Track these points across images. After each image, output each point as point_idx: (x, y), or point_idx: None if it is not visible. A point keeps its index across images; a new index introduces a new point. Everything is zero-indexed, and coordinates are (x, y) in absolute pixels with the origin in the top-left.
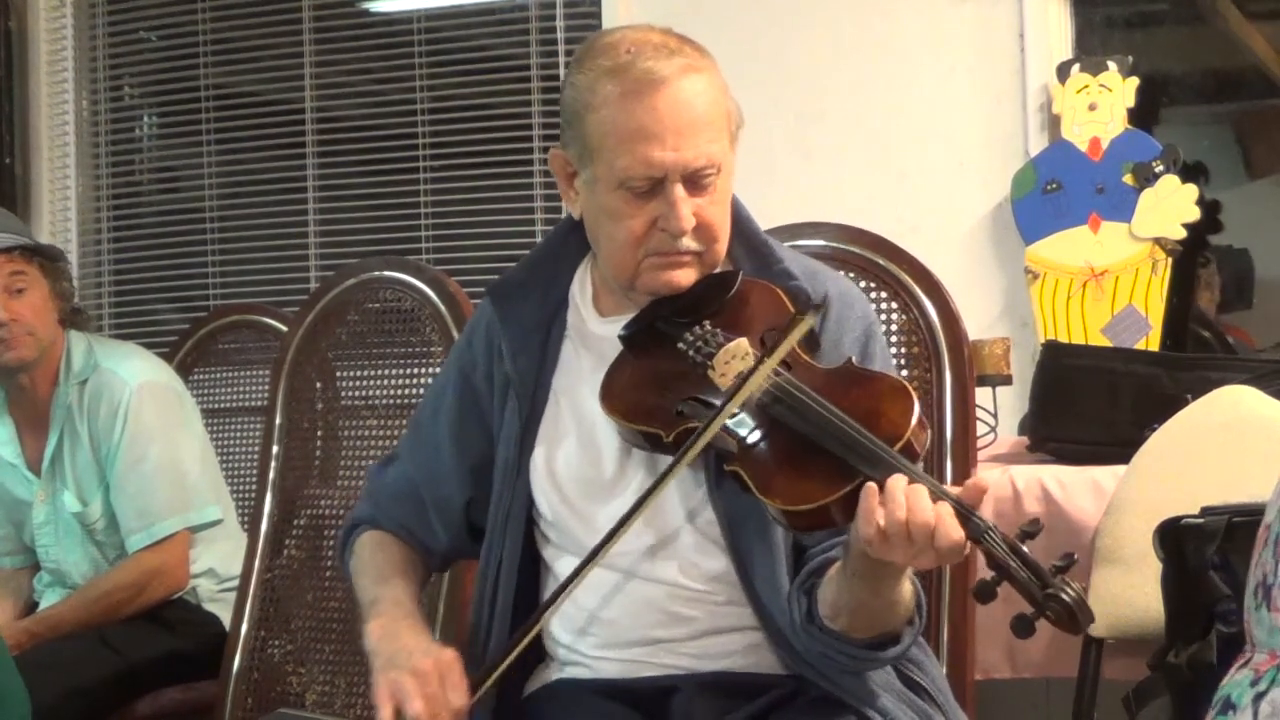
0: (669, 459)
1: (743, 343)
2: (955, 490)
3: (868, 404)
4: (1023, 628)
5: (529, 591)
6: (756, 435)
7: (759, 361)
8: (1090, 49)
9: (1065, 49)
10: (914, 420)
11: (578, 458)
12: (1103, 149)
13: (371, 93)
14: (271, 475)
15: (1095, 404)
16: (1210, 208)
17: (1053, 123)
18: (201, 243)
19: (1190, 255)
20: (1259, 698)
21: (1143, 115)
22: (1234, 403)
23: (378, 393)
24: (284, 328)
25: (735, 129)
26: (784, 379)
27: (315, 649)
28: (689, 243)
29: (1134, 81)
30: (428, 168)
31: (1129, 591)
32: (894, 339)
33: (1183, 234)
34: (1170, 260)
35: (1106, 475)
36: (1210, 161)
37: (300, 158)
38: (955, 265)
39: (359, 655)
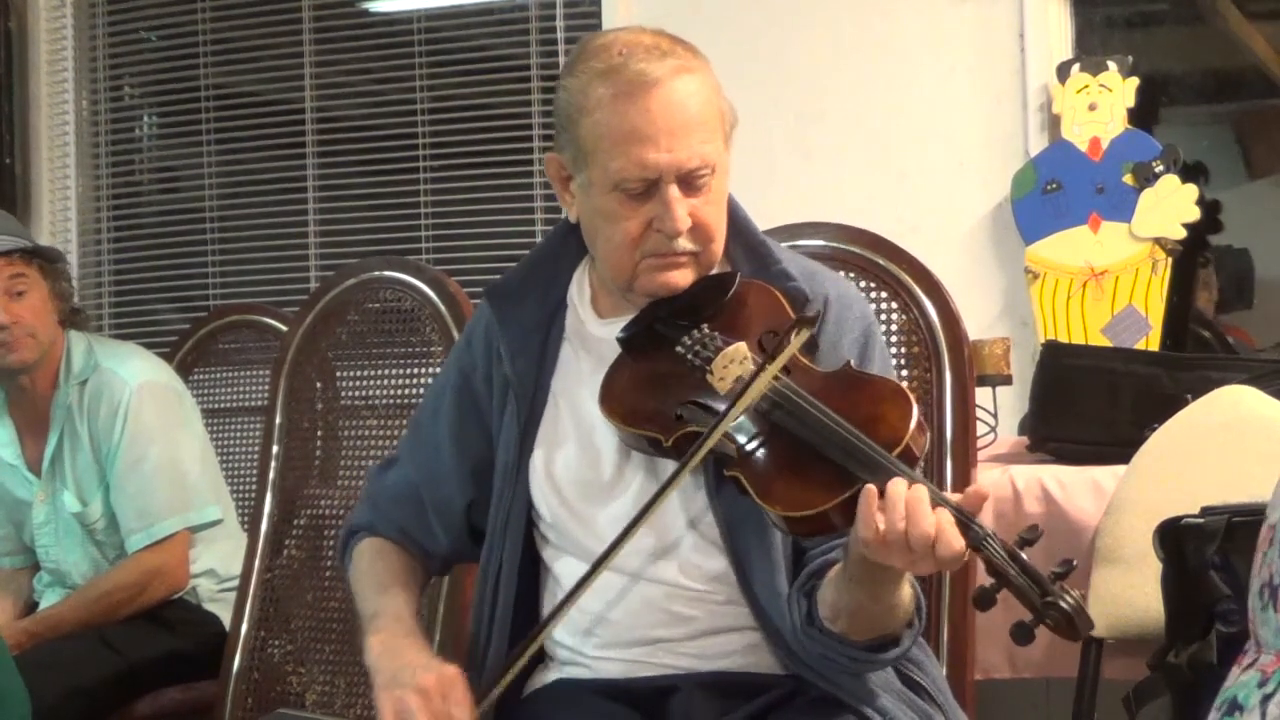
0: (668, 462)
1: (741, 347)
2: (955, 497)
3: (866, 409)
4: (1022, 635)
5: (529, 593)
6: (755, 441)
7: (758, 369)
8: (1090, 49)
9: (1065, 49)
10: (913, 424)
11: (577, 460)
12: (1103, 149)
13: (371, 93)
14: (271, 475)
15: (1095, 404)
16: (1210, 208)
17: (1053, 123)
18: (201, 243)
19: (1190, 255)
20: (1267, 699)
21: (1143, 115)
22: (1234, 403)
23: (378, 393)
24: (284, 328)
25: (729, 129)
26: (783, 384)
27: (315, 649)
28: (685, 243)
29: (1134, 81)
30: (428, 168)
31: (1129, 591)
32: (894, 339)
33: (1183, 234)
34: (1170, 260)
35: (1106, 475)
36: (1210, 161)
37: (300, 158)
38: (955, 265)
39: (359, 655)
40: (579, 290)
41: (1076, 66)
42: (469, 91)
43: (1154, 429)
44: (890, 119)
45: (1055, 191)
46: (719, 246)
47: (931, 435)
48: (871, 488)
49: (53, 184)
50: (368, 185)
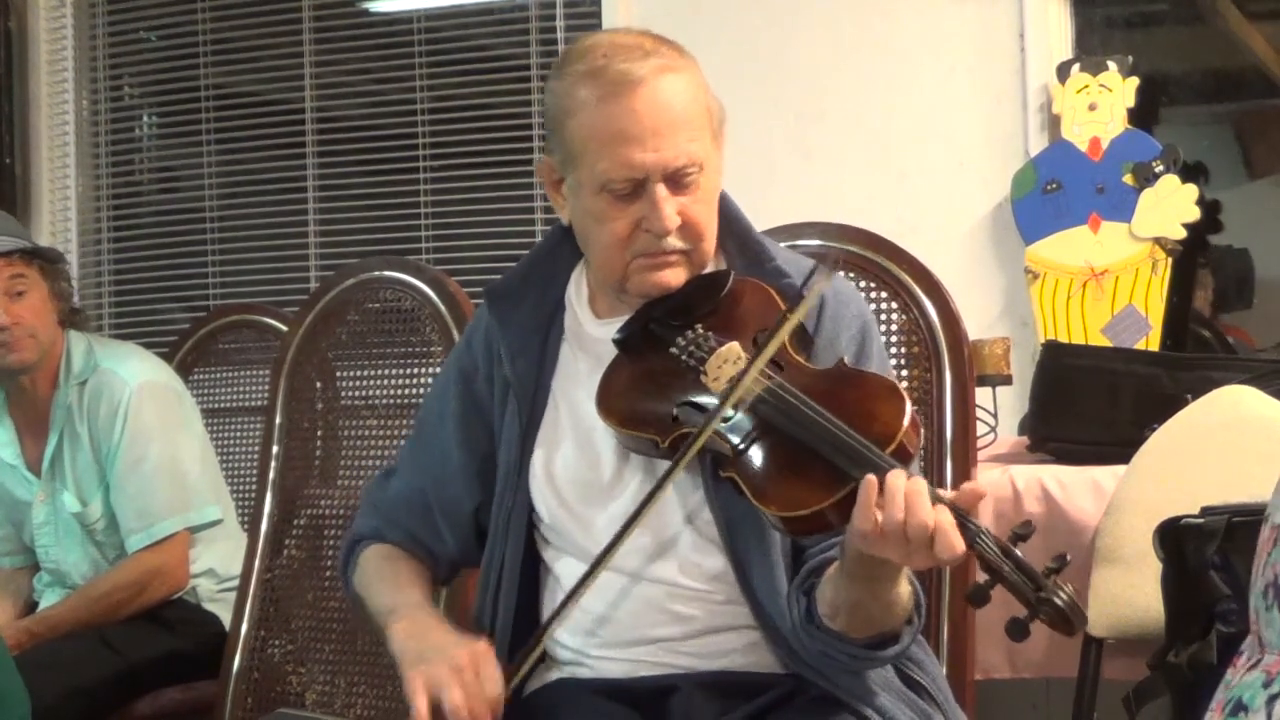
0: (666, 463)
1: (734, 346)
2: (950, 494)
3: (859, 405)
4: (1017, 630)
5: (531, 593)
6: (749, 440)
7: (747, 365)
8: (1090, 49)
9: (1065, 49)
10: (906, 421)
11: (575, 461)
12: (1103, 149)
13: (371, 93)
14: (271, 475)
15: (1095, 404)
16: (1210, 208)
17: (1053, 123)
18: (201, 243)
19: (1190, 255)
20: (1273, 699)
21: (1143, 115)
22: (1234, 403)
23: (378, 393)
24: (284, 328)
25: (718, 126)
26: (775, 382)
27: (315, 649)
28: (674, 242)
29: (1134, 81)
30: (428, 168)
31: (1129, 591)
32: (894, 339)
33: (1183, 234)
34: (1170, 260)
35: (1106, 475)
36: (1210, 161)
37: (300, 158)
38: (955, 265)
39: (359, 655)
40: (576, 291)
41: (1076, 66)
42: (469, 91)
43: (1154, 429)
44: (890, 119)
45: (1055, 191)
46: (710, 244)
47: (931, 435)
48: (872, 478)
49: (53, 184)
50: (368, 185)
